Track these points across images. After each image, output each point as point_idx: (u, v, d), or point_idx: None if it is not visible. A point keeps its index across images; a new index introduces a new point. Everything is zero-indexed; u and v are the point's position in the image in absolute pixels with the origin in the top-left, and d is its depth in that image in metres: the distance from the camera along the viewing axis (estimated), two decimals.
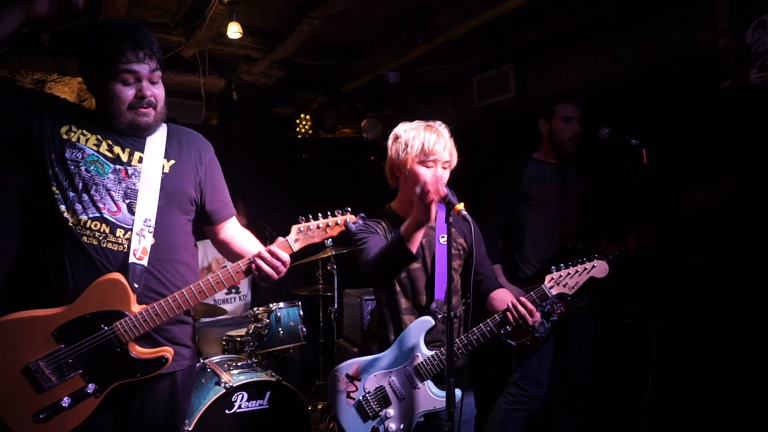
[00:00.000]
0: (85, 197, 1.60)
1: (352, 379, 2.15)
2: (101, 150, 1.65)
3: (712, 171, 2.29)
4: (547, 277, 2.01)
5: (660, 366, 2.51)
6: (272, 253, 1.68)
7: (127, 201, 1.65)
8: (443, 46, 3.78)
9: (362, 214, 1.72)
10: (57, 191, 1.60)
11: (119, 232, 1.63)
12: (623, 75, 3.09)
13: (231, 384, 2.81)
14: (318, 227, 1.71)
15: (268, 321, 3.38)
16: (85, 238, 1.60)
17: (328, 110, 4.80)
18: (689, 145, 2.82)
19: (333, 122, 4.86)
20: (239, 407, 2.84)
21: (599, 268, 1.99)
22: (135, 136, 1.71)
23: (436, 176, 1.98)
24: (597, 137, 2.60)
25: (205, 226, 1.89)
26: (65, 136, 1.62)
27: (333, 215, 1.72)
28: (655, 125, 2.85)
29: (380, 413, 2.09)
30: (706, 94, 2.31)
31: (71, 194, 1.60)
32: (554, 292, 1.99)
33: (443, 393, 2.03)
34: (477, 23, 3.37)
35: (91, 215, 1.60)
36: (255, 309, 3.47)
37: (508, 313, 1.96)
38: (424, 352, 2.05)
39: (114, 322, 1.61)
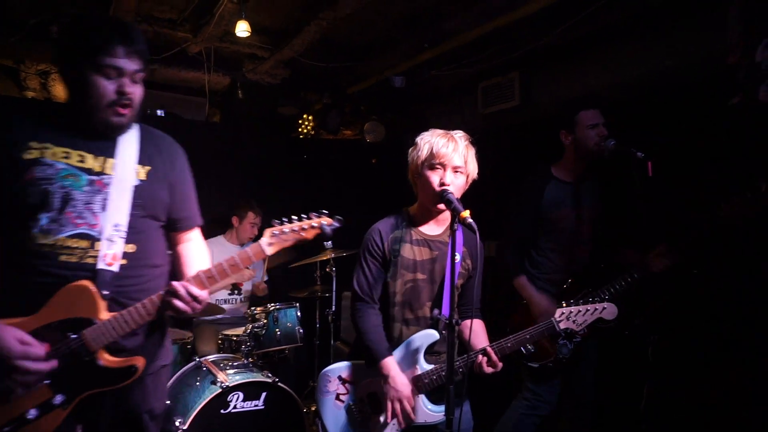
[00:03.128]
0: (62, 215, 1.54)
1: (345, 381, 2.15)
2: (72, 162, 1.57)
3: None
4: (558, 311, 2.05)
5: (655, 377, 2.52)
6: (187, 290, 1.58)
7: (105, 213, 1.59)
8: (450, 52, 3.78)
9: (338, 217, 1.65)
10: (29, 216, 1.53)
11: (98, 245, 1.58)
12: (631, 86, 3.09)
13: (227, 384, 2.79)
14: (292, 230, 1.63)
15: (265, 321, 3.37)
16: (63, 257, 1.54)
17: (332, 111, 4.79)
18: (697, 159, 2.82)
19: (336, 124, 4.85)
20: (234, 407, 2.82)
21: (609, 310, 2.04)
22: (105, 138, 1.63)
23: (404, 411, 1.96)
24: (603, 149, 2.61)
25: (167, 232, 1.82)
26: (28, 156, 1.53)
27: (308, 218, 1.65)
28: (662, 138, 2.84)
29: (369, 420, 2.08)
30: (715, 108, 2.32)
31: (46, 215, 1.53)
32: (563, 326, 2.03)
33: (437, 408, 2.04)
34: (486, 30, 3.37)
35: (68, 233, 1.55)
36: (252, 309, 3.46)
37: (481, 357, 1.99)
38: (424, 366, 2.05)
39: (82, 329, 1.55)
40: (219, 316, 3.80)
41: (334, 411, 2.14)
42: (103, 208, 1.58)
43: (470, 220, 1.77)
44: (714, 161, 2.69)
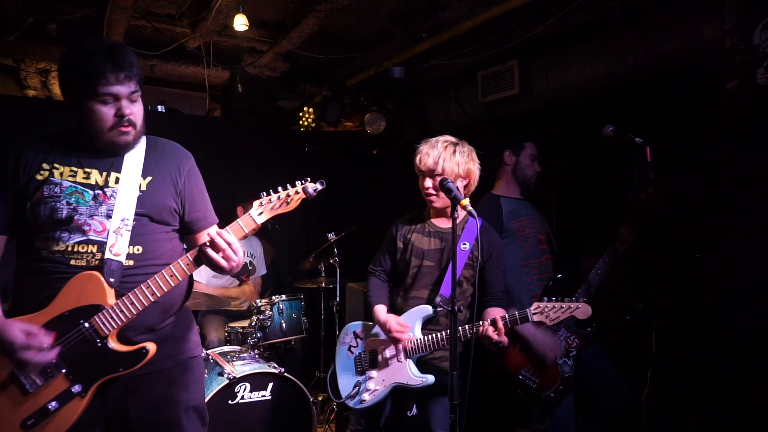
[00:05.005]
0: (70, 225, 1.64)
1: (357, 336, 2.50)
2: (78, 179, 1.68)
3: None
4: (534, 304, 2.10)
5: (659, 363, 2.54)
6: (219, 235, 1.65)
7: (110, 220, 1.68)
8: (448, 42, 3.78)
9: (322, 180, 1.74)
10: (41, 228, 1.63)
11: (105, 248, 1.66)
12: (629, 73, 3.09)
13: (234, 375, 2.83)
14: (278, 198, 1.73)
15: (270, 313, 3.41)
16: (73, 261, 1.63)
17: (332, 104, 4.79)
18: (695, 144, 2.82)
19: (336, 116, 4.85)
20: (242, 398, 2.87)
21: (582, 310, 2.09)
22: (112, 155, 1.73)
23: (397, 325, 2.24)
24: (601, 135, 2.62)
25: (186, 236, 1.90)
26: (39, 177, 1.65)
27: (293, 186, 1.74)
28: (660, 124, 2.85)
29: (366, 372, 2.39)
30: (712, 93, 2.33)
31: (55, 226, 1.63)
32: (536, 319, 2.09)
33: (420, 375, 2.27)
34: (483, 19, 3.37)
35: (76, 239, 1.64)
36: (258, 301, 3.49)
37: (485, 324, 2.10)
38: (416, 334, 2.29)
39: (92, 316, 1.62)
40: (225, 308, 3.84)
41: (344, 359, 2.51)
42: (108, 216, 1.67)
43: (470, 208, 1.87)
44: (712, 147, 2.70)
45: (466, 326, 2.15)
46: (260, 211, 1.72)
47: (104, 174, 1.71)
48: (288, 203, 1.73)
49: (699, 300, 2.85)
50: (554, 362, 2.56)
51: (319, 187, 1.73)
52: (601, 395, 2.74)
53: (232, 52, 4.50)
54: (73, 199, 1.65)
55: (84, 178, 1.68)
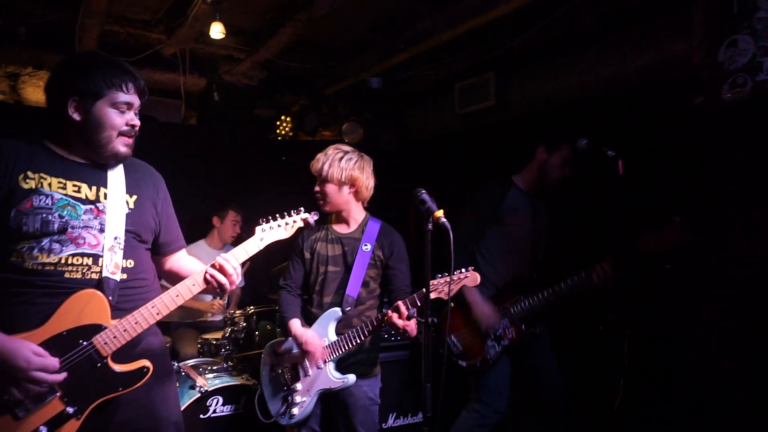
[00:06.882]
0: (63, 236, 1.59)
1: (277, 354, 2.56)
2: (68, 192, 1.63)
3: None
4: (431, 283, 2.16)
5: (631, 372, 2.56)
6: (226, 261, 1.72)
7: (103, 234, 1.66)
8: (426, 53, 3.80)
9: (315, 212, 1.94)
10: (26, 239, 1.55)
11: (101, 261, 1.64)
12: (603, 86, 3.16)
13: (206, 388, 2.77)
14: (278, 226, 1.87)
15: (244, 325, 3.35)
16: (67, 274, 1.59)
17: (310, 113, 4.77)
18: (665, 158, 2.89)
19: (314, 125, 4.83)
20: (214, 412, 2.81)
21: (471, 278, 2.20)
22: (96, 169, 1.70)
23: (312, 338, 2.33)
24: (575, 148, 2.66)
25: (154, 256, 1.90)
26: (25, 186, 1.57)
27: (290, 215, 1.89)
28: (632, 137, 2.91)
29: (291, 386, 2.45)
30: (682, 107, 2.38)
31: (46, 239, 1.57)
32: (433, 296, 2.16)
33: (341, 376, 2.36)
34: (461, 31, 3.41)
35: (70, 252, 1.59)
36: (232, 312, 3.44)
37: (390, 312, 2.22)
38: (330, 338, 2.37)
39: (93, 336, 1.57)
40: (199, 320, 3.77)
41: (268, 379, 2.56)
42: (101, 230, 1.65)
43: (443, 220, 1.79)
44: (681, 162, 2.76)
45: (372, 318, 2.28)
46: (262, 237, 1.83)
47: (94, 188, 1.68)
48: (287, 231, 1.87)
49: (670, 309, 2.89)
50: (487, 330, 2.68)
51: (315, 217, 1.92)
52: (537, 389, 2.86)
53: (208, 60, 4.45)
54: (65, 212, 1.60)
55: (74, 191, 1.64)
